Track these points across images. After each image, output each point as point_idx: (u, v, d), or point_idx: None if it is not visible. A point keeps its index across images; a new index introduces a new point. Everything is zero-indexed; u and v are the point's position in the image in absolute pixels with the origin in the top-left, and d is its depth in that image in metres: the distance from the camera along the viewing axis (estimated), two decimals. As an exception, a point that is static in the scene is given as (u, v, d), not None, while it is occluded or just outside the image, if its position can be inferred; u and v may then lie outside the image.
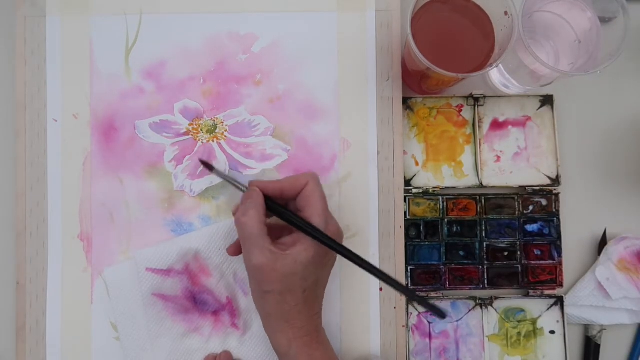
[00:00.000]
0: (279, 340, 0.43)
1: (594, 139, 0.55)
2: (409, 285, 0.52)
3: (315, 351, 0.43)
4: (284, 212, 0.43)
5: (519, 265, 0.53)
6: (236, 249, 0.47)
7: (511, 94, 0.54)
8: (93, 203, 0.51)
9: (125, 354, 0.49)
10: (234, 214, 0.45)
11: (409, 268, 0.52)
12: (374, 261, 0.51)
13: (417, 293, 0.52)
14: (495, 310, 0.52)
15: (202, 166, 0.48)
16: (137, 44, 0.52)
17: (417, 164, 0.53)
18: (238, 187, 0.45)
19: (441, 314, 0.38)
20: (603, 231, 0.53)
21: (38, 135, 0.51)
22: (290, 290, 0.42)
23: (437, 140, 0.54)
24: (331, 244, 0.41)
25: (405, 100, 0.53)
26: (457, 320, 0.52)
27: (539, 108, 0.54)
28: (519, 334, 0.52)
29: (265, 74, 0.52)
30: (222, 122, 0.52)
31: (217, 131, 0.52)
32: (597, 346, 0.52)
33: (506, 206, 0.53)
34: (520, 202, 0.53)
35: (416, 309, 0.52)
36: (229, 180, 0.45)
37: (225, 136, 0.52)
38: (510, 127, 0.54)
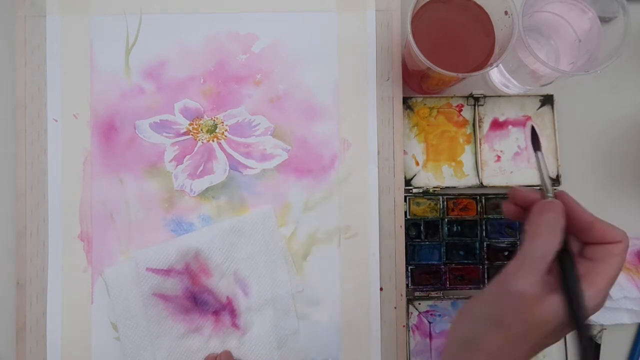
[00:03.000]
0: None
1: (594, 139, 0.55)
2: (409, 285, 0.52)
3: None
4: (567, 267, 0.34)
5: (519, 265, 0.53)
6: (517, 212, 0.38)
7: (511, 93, 0.54)
8: (93, 203, 0.51)
9: (125, 354, 0.49)
10: (511, 198, 0.37)
11: (409, 268, 0.52)
12: (374, 261, 0.51)
13: (416, 293, 0.52)
14: (496, 310, 0.52)
15: (532, 139, 0.39)
16: (137, 44, 0.52)
17: (417, 163, 0.53)
18: (547, 187, 0.37)
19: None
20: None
21: (38, 135, 0.51)
22: (525, 339, 0.33)
23: (437, 140, 0.54)
24: (584, 345, 0.33)
25: (405, 100, 0.53)
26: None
27: (539, 108, 0.54)
28: (519, 333, 0.52)
29: (265, 74, 0.52)
30: (222, 122, 0.52)
31: (217, 131, 0.52)
32: (597, 346, 0.52)
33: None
34: (521, 202, 0.53)
35: (416, 309, 0.52)
36: (542, 174, 0.38)
37: (226, 136, 0.52)
38: (510, 127, 0.54)
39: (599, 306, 0.34)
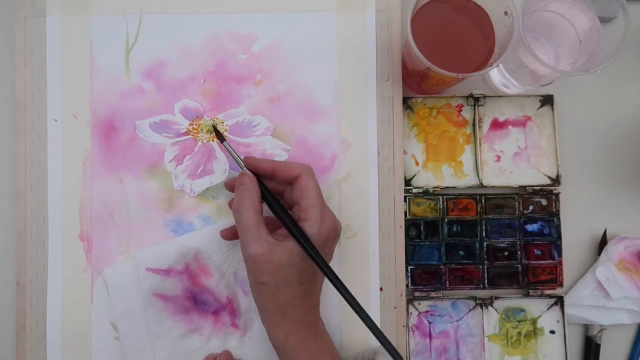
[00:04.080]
0: (275, 334, 0.43)
1: (594, 139, 0.55)
2: (409, 285, 0.52)
3: (313, 345, 0.43)
4: (276, 207, 0.43)
5: (519, 265, 0.53)
6: (229, 233, 0.47)
7: (511, 93, 0.54)
8: (93, 203, 0.51)
9: (125, 354, 0.49)
10: (226, 187, 0.47)
11: (409, 268, 0.52)
12: (374, 261, 0.51)
13: (416, 294, 0.52)
14: (496, 310, 0.52)
15: (214, 137, 0.50)
16: (137, 44, 0.52)
17: (417, 163, 0.53)
18: (239, 165, 0.45)
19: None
20: (603, 231, 0.53)
21: (38, 135, 0.51)
22: (286, 283, 0.41)
23: (437, 140, 0.54)
24: (314, 257, 0.41)
25: (405, 100, 0.53)
26: (457, 320, 0.52)
27: (539, 108, 0.54)
28: (519, 333, 0.52)
29: (265, 74, 0.52)
30: (222, 122, 0.52)
31: (217, 131, 0.52)
32: (597, 346, 0.52)
33: (506, 206, 0.53)
34: (520, 202, 0.53)
35: (416, 309, 0.52)
36: (233, 155, 0.46)
37: (226, 136, 0.52)
38: (510, 127, 0.54)
39: (333, 224, 0.43)
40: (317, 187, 0.43)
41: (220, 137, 0.48)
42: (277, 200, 0.44)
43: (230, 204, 0.47)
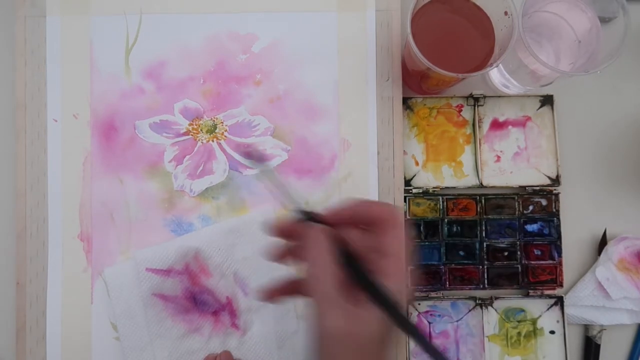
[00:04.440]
0: None
1: (594, 139, 0.55)
2: (408, 285, 0.52)
3: None
4: (355, 270, 0.33)
5: (519, 265, 0.53)
6: (269, 294, 0.37)
7: (511, 94, 0.54)
8: (93, 203, 0.51)
9: (125, 354, 0.49)
10: (271, 232, 0.36)
11: (409, 268, 0.52)
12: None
13: (416, 294, 0.52)
14: (495, 310, 0.52)
15: (253, 160, 0.39)
16: (137, 44, 0.52)
17: (417, 164, 0.53)
18: (292, 207, 0.35)
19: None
20: (603, 231, 0.53)
21: (38, 135, 0.51)
22: None
23: (437, 140, 0.54)
24: (405, 327, 0.32)
25: (405, 100, 0.53)
26: (457, 320, 0.52)
27: (539, 108, 0.54)
28: (519, 334, 0.52)
29: (265, 74, 0.52)
30: (222, 122, 0.52)
31: (217, 131, 0.52)
32: (597, 346, 0.52)
33: (506, 206, 0.53)
34: (520, 202, 0.53)
35: (416, 309, 0.52)
36: (280, 191, 0.36)
37: (225, 136, 0.52)
38: (510, 127, 0.54)
39: (402, 287, 0.33)
40: (405, 246, 0.34)
41: (261, 160, 0.37)
42: (362, 265, 0.34)
43: (275, 254, 0.37)
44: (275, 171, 0.36)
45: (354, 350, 0.31)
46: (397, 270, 0.33)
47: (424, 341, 0.32)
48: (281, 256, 0.37)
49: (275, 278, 0.38)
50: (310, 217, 0.35)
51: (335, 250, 0.33)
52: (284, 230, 0.36)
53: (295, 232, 0.35)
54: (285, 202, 0.35)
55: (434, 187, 0.53)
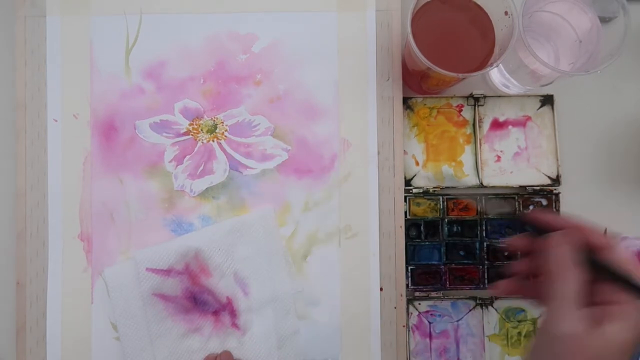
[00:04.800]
0: None
1: (594, 139, 0.55)
2: (409, 285, 0.52)
3: None
4: (613, 269, 0.33)
5: (519, 265, 0.53)
6: (508, 288, 0.39)
7: (511, 94, 0.54)
8: (93, 203, 0.51)
9: (125, 354, 0.49)
10: (510, 246, 0.38)
11: (409, 268, 0.52)
12: (375, 261, 0.51)
13: (416, 294, 0.52)
14: (496, 310, 0.52)
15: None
16: (137, 44, 0.52)
17: (417, 164, 0.53)
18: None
19: None
20: (603, 231, 0.53)
21: (38, 135, 0.51)
22: None
23: (437, 140, 0.54)
24: None
25: (405, 100, 0.53)
26: (457, 320, 0.52)
27: (539, 108, 0.54)
28: (519, 333, 0.52)
29: (265, 74, 0.52)
30: (222, 122, 0.52)
31: (217, 131, 0.52)
32: (598, 346, 0.52)
33: (506, 206, 0.53)
34: (521, 202, 0.53)
35: (416, 309, 0.52)
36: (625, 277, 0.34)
37: (226, 136, 0.52)
38: (510, 127, 0.54)
39: None
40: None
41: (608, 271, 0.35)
42: (608, 260, 0.34)
43: (516, 265, 0.38)
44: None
45: (588, 357, 0.31)
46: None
47: None
48: (511, 290, 0.39)
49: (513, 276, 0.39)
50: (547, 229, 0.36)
51: (578, 254, 0.33)
52: (524, 245, 0.38)
53: (531, 248, 0.37)
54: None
55: (434, 187, 0.53)
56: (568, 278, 0.33)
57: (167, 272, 0.49)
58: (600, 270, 0.34)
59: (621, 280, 0.33)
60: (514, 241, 0.39)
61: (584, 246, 0.34)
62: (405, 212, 0.52)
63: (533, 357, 0.34)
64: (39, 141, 0.51)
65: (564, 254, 0.34)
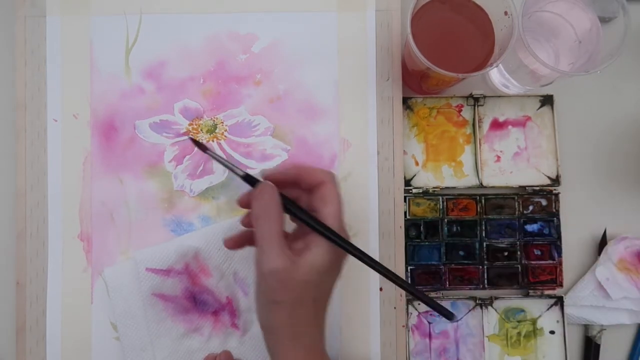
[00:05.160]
0: None
1: (594, 139, 0.55)
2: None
3: None
4: (300, 212, 0.40)
5: (519, 265, 0.53)
6: (235, 243, 0.44)
7: (511, 94, 0.54)
8: (93, 203, 0.51)
9: (125, 353, 0.49)
10: (240, 204, 0.42)
11: (409, 268, 0.52)
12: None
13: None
14: (495, 310, 0.52)
15: (195, 146, 0.45)
16: (137, 44, 0.52)
17: (417, 164, 0.53)
18: (234, 171, 0.42)
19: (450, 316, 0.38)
20: (603, 231, 0.53)
21: (38, 135, 0.51)
22: (302, 302, 0.38)
23: (437, 140, 0.54)
24: (348, 247, 0.39)
25: (405, 100, 0.53)
26: (457, 321, 0.52)
27: (539, 108, 0.54)
28: (519, 334, 0.52)
29: (265, 74, 0.52)
30: (222, 122, 0.52)
31: (217, 131, 0.52)
32: (597, 346, 0.52)
33: (506, 206, 0.53)
34: (520, 202, 0.53)
35: (416, 309, 0.52)
36: (225, 163, 0.43)
37: (225, 136, 0.52)
38: (510, 127, 0.54)
39: (347, 237, 0.40)
40: (340, 198, 0.40)
41: (202, 146, 0.44)
42: (300, 206, 0.41)
43: (244, 220, 0.43)
44: (213, 150, 0.42)
45: (287, 288, 0.37)
46: (336, 214, 0.39)
47: (365, 257, 0.39)
48: (240, 243, 0.44)
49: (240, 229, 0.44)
50: (258, 180, 0.41)
51: (280, 200, 0.39)
52: (245, 201, 0.42)
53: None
54: (235, 172, 0.42)
55: (434, 187, 0.53)
56: (269, 220, 0.38)
57: (167, 272, 0.49)
58: (295, 215, 0.40)
59: (304, 221, 0.40)
60: (241, 198, 0.43)
61: (278, 183, 0.40)
62: (405, 212, 0.52)
63: (257, 293, 0.40)
64: (39, 141, 0.51)
65: (265, 200, 0.39)
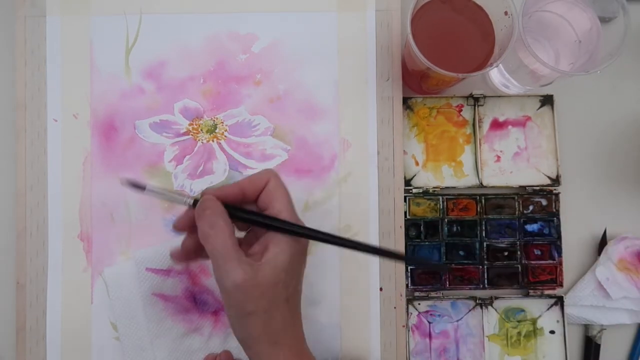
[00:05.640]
0: None
1: (594, 139, 0.55)
2: (409, 285, 0.52)
3: None
4: (245, 214, 0.39)
5: (519, 265, 0.53)
6: (184, 224, 0.40)
7: (511, 93, 0.54)
8: (93, 203, 0.51)
9: (125, 354, 0.49)
10: (176, 227, 0.40)
11: (409, 268, 0.52)
12: (374, 261, 0.51)
13: (416, 294, 0.52)
14: (495, 310, 0.52)
15: (132, 187, 0.40)
16: (137, 44, 0.52)
17: (417, 164, 0.53)
18: (180, 201, 0.39)
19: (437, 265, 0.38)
20: (603, 231, 0.53)
21: (38, 135, 0.51)
22: (275, 305, 0.37)
23: (437, 140, 0.54)
24: (310, 233, 0.38)
25: (405, 100, 0.53)
26: (457, 320, 0.52)
27: (539, 108, 0.54)
28: (519, 333, 0.52)
29: (265, 74, 0.52)
30: (222, 122, 0.52)
31: (217, 131, 0.52)
32: (597, 346, 0.52)
33: (506, 206, 0.53)
34: (520, 202, 0.53)
35: (416, 309, 0.52)
36: (166, 194, 0.40)
37: (225, 136, 0.52)
38: (510, 127, 0.54)
39: (294, 215, 0.39)
40: (287, 191, 0.39)
41: (138, 186, 0.39)
42: (245, 208, 0.40)
43: (175, 226, 0.41)
44: (150, 185, 0.40)
45: (257, 297, 0.36)
46: (287, 207, 0.38)
47: (327, 236, 0.39)
48: (187, 255, 0.41)
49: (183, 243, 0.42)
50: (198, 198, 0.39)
51: (224, 210, 0.37)
52: (186, 222, 0.40)
53: (191, 218, 0.39)
54: (174, 201, 0.40)
55: (434, 187, 0.53)
56: (218, 234, 0.36)
57: (167, 272, 0.49)
58: (244, 219, 0.39)
59: (257, 223, 0.39)
60: (178, 221, 0.40)
61: (226, 202, 0.38)
62: (405, 212, 0.52)
63: (226, 308, 0.38)
64: (39, 141, 0.51)
65: (209, 214, 0.37)
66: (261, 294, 0.36)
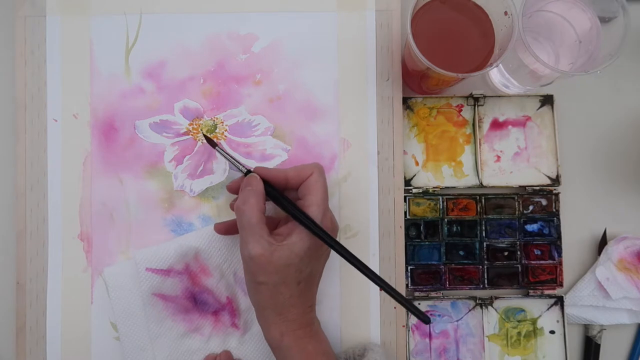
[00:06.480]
0: (271, 333, 0.43)
1: (594, 139, 0.55)
2: (409, 285, 0.52)
3: (308, 344, 0.43)
4: (281, 198, 0.43)
5: (519, 265, 0.53)
6: (223, 228, 0.48)
7: (511, 93, 0.54)
8: (93, 203, 0.51)
9: (125, 354, 0.49)
10: (229, 189, 0.46)
11: (409, 268, 0.52)
12: (374, 261, 0.51)
13: (416, 294, 0.52)
14: (495, 310, 0.52)
15: (205, 142, 0.49)
16: (137, 44, 0.52)
17: (417, 163, 0.53)
18: (238, 168, 0.45)
19: (425, 319, 0.39)
20: (603, 231, 0.53)
21: (38, 135, 0.51)
22: (285, 282, 0.41)
23: (437, 140, 0.54)
24: (323, 237, 0.41)
25: (405, 100, 0.53)
26: (457, 320, 0.52)
27: (539, 108, 0.54)
28: (519, 333, 0.52)
29: (265, 74, 0.52)
30: (222, 122, 0.52)
31: (217, 131, 0.52)
32: (597, 346, 0.52)
33: (506, 206, 0.53)
34: (520, 202, 0.53)
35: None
36: (230, 159, 0.46)
37: (226, 136, 0.52)
38: (510, 127, 0.54)
39: (331, 224, 0.44)
40: (325, 187, 0.44)
41: (212, 143, 0.47)
42: (283, 194, 0.44)
43: (232, 205, 0.47)
44: (220, 145, 0.48)
45: (269, 271, 0.41)
46: (319, 202, 0.42)
47: (341, 249, 0.41)
48: (229, 229, 0.48)
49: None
50: (251, 172, 0.44)
51: (263, 190, 0.42)
52: (236, 187, 0.46)
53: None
54: (233, 165, 0.46)
55: (434, 187, 0.53)
56: (248, 209, 0.41)
57: (167, 272, 0.49)
58: (278, 203, 0.43)
59: (286, 209, 0.43)
60: (232, 184, 0.46)
61: (270, 183, 0.44)
62: (405, 212, 0.52)
63: (244, 273, 0.43)
64: (39, 141, 0.51)
65: (247, 190, 0.42)
66: (274, 270, 0.41)
